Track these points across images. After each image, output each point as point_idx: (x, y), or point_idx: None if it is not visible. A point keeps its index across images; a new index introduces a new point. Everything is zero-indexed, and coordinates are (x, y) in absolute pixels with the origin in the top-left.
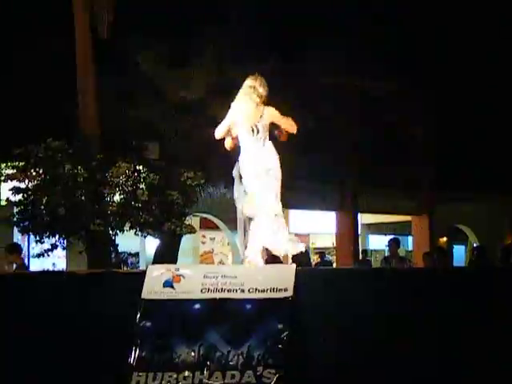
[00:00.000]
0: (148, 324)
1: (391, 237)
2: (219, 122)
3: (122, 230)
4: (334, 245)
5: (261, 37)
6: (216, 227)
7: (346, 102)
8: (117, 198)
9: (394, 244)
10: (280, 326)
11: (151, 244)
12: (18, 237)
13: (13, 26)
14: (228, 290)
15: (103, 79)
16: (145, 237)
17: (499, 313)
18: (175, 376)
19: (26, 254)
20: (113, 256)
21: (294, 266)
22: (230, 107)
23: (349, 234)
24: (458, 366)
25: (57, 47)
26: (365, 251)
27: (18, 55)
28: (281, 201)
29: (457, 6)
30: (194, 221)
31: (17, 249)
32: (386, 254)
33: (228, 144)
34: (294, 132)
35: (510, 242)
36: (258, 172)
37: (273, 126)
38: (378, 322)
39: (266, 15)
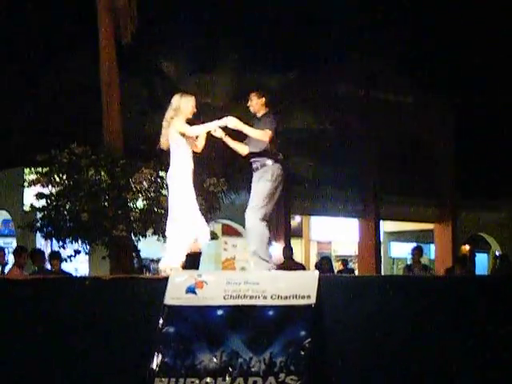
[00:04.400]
0: (170, 330)
1: (413, 245)
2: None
3: (145, 236)
4: (356, 252)
5: (283, 45)
6: (238, 234)
7: (369, 112)
8: (140, 203)
9: (417, 252)
10: (302, 333)
11: None
12: (41, 242)
13: (39, 37)
14: (250, 297)
15: (127, 86)
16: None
17: None
18: (197, 382)
19: (48, 259)
20: (135, 261)
21: (317, 272)
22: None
23: (371, 241)
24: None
25: (82, 56)
26: (345, 260)
27: (44, 64)
28: (304, 208)
29: (478, 17)
30: (216, 227)
31: (54, 256)
32: (409, 263)
33: None
34: None
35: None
36: None
37: None
38: (401, 330)
39: (288, 25)
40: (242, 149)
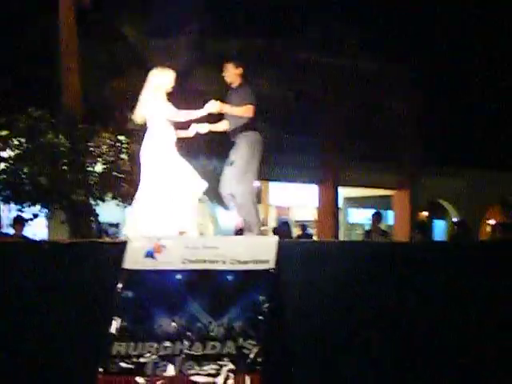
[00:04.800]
0: (129, 294)
1: (372, 211)
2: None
3: (104, 200)
4: (315, 218)
5: (246, 11)
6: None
7: (330, 78)
8: (99, 167)
9: (376, 218)
10: (261, 298)
11: None
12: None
13: None
14: (209, 261)
15: (87, 50)
16: (126, 207)
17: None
18: (156, 346)
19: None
20: (94, 226)
21: (276, 237)
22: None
23: (330, 207)
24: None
25: (42, 19)
26: (304, 226)
27: (1, 26)
28: (263, 173)
29: None
30: None
31: (17, 220)
32: (367, 228)
33: None
34: None
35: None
36: None
37: None
38: (358, 295)
39: None
40: (224, 126)
